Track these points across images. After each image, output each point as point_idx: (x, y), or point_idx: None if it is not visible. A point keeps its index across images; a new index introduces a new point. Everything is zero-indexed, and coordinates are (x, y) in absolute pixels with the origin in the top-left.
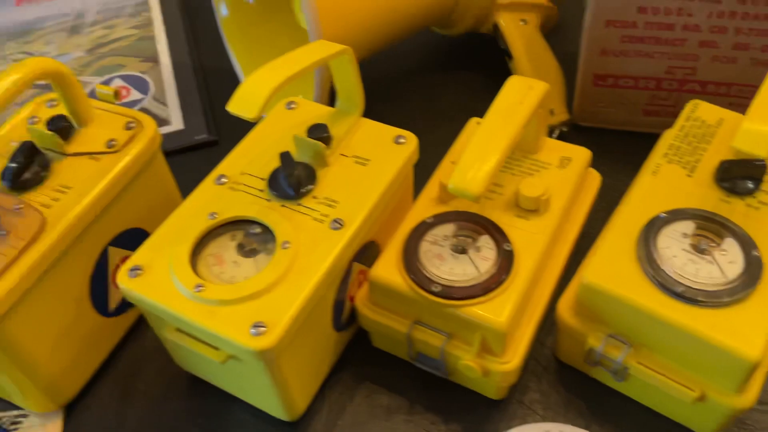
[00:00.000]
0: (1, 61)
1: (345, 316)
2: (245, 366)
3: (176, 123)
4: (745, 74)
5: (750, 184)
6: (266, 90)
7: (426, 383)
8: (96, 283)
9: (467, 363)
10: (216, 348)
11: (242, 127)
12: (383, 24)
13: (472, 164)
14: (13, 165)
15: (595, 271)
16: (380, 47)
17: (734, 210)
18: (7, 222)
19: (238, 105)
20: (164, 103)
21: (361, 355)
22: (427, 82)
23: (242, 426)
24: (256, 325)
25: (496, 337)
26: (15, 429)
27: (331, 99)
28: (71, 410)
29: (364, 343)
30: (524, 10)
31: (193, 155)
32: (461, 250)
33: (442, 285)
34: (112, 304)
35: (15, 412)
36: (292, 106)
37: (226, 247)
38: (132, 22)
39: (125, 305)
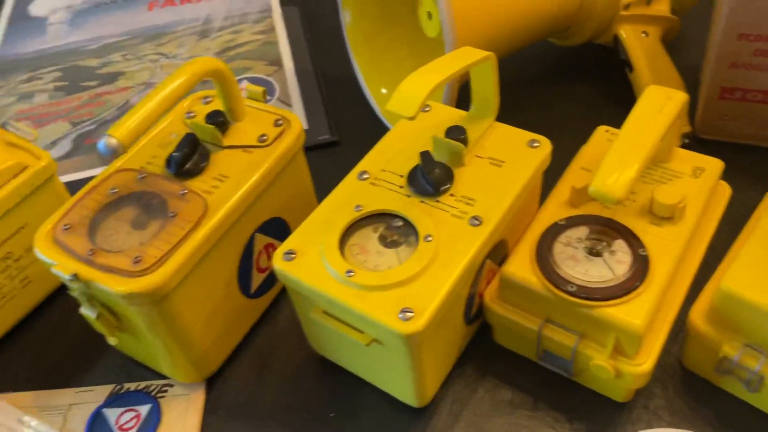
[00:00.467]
0: (137, 60)
1: (474, 311)
2: (386, 350)
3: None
4: None
5: None
6: (424, 91)
7: (548, 381)
8: (243, 266)
9: (600, 363)
10: (361, 331)
11: (360, 129)
12: (509, 32)
13: (615, 169)
14: (178, 154)
15: (734, 278)
16: (503, 56)
17: None
18: (175, 205)
19: (398, 104)
20: (289, 105)
21: (483, 351)
22: (544, 92)
23: (371, 408)
24: (404, 311)
25: (631, 339)
26: (162, 396)
27: (457, 104)
28: (212, 383)
29: (485, 340)
30: (646, 22)
31: (316, 154)
32: (596, 253)
33: (578, 285)
34: (254, 286)
35: (162, 381)
36: (427, 109)
37: (369, 237)
38: (256, 27)
39: (264, 288)
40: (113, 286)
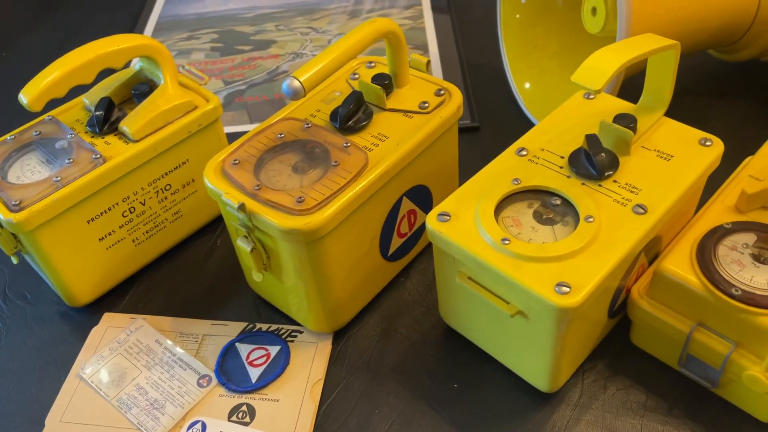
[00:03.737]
0: (289, 32)
1: (617, 304)
2: (530, 324)
3: None
4: None
5: None
6: (613, 66)
7: (685, 390)
8: (387, 227)
9: (755, 374)
10: (507, 302)
11: (500, 118)
12: (680, 36)
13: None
14: (344, 110)
15: None
16: None
17: None
18: (337, 156)
19: (584, 76)
20: None
21: (617, 350)
22: (698, 105)
23: (495, 385)
24: (560, 284)
25: None
26: (291, 341)
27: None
28: (338, 336)
29: (621, 338)
30: None
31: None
32: (763, 261)
33: (743, 290)
34: (392, 249)
35: (292, 327)
36: (591, 96)
37: (523, 212)
38: (405, 13)
39: (399, 254)
40: (276, 220)
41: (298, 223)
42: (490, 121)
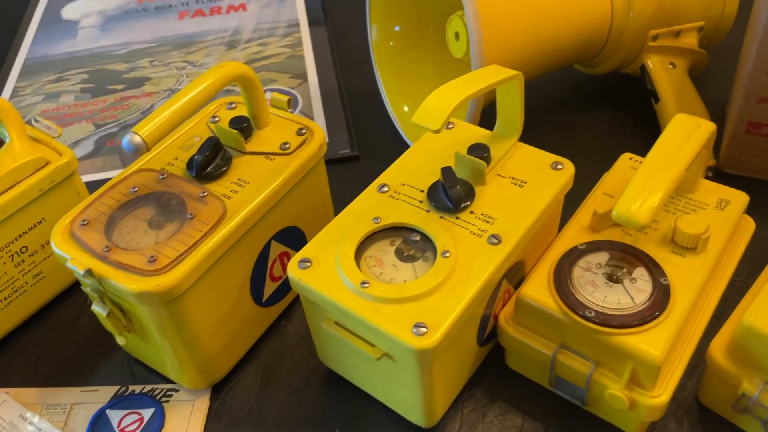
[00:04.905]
0: (164, 67)
1: (487, 332)
2: (397, 365)
3: None
4: None
5: None
6: (450, 105)
7: (561, 410)
8: (257, 273)
9: (615, 393)
10: (373, 345)
11: (381, 146)
12: (537, 57)
13: (640, 194)
14: (200, 157)
15: (756, 313)
16: (529, 79)
17: None
18: (194, 207)
19: (424, 117)
20: (311, 118)
21: (494, 375)
22: (567, 119)
23: (377, 426)
24: (417, 325)
25: (648, 369)
26: (166, 401)
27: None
28: (217, 390)
29: (497, 363)
30: (674, 54)
31: (335, 168)
32: (615, 280)
33: (596, 311)
34: (266, 294)
35: (167, 386)
36: (450, 126)
37: (385, 250)
38: (284, 41)
39: (276, 297)
40: (126, 283)
41: (149, 285)
42: (371, 148)
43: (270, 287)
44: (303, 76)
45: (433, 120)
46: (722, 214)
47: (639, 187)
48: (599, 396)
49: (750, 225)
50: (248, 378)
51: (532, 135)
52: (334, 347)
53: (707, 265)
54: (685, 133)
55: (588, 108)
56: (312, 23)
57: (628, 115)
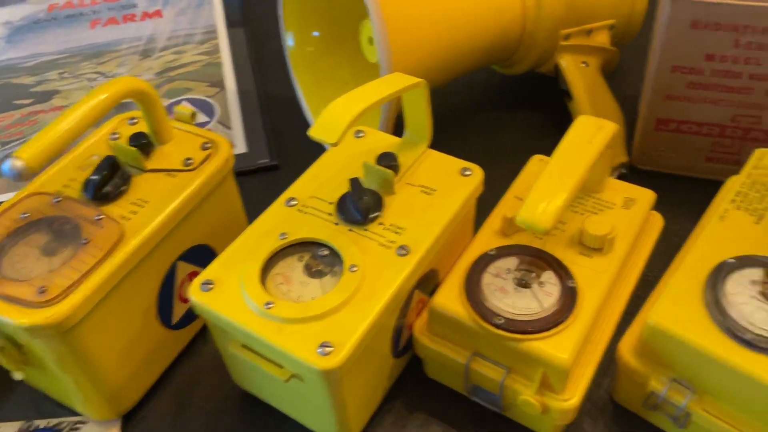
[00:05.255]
0: (74, 79)
1: (402, 344)
2: (307, 385)
3: (240, 147)
4: None
5: None
6: (348, 117)
7: (479, 417)
8: (163, 296)
9: (527, 399)
10: (280, 366)
11: (302, 154)
12: (448, 60)
13: (542, 198)
14: (96, 178)
15: (661, 312)
16: (443, 82)
17: None
18: (88, 231)
19: (321, 130)
20: (229, 127)
21: (414, 385)
22: (487, 119)
23: None
24: (323, 345)
25: (558, 373)
26: None
27: (395, 130)
28: (128, 420)
29: (417, 373)
30: (586, 52)
31: (255, 178)
32: (524, 285)
33: (505, 318)
34: (176, 317)
35: (75, 418)
36: (360, 134)
37: (293, 267)
38: (200, 48)
39: (187, 319)
40: (14, 317)
41: (38, 318)
42: (292, 158)
43: (180, 309)
44: (220, 84)
45: (330, 133)
46: (629, 213)
47: (541, 192)
48: (513, 402)
49: (658, 221)
50: (161, 405)
51: (454, 137)
52: (244, 370)
53: (614, 265)
54: (587, 135)
55: (508, 109)
56: (230, 29)
57: (548, 115)
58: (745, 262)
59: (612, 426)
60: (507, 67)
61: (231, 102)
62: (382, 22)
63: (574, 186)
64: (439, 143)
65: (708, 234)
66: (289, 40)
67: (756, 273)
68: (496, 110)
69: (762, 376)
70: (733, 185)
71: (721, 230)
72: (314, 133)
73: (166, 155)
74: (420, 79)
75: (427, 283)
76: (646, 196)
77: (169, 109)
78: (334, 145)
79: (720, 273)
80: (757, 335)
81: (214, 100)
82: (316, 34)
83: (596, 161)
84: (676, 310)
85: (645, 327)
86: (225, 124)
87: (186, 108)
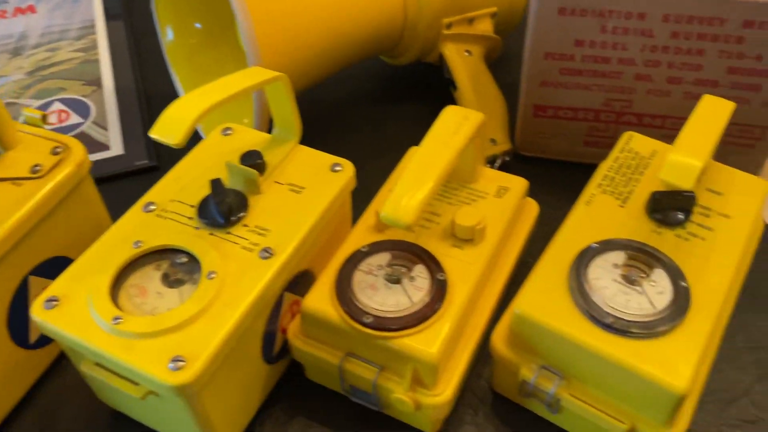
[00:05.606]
0: None
1: (277, 348)
2: (166, 402)
3: (116, 148)
4: (678, 107)
5: (680, 216)
6: (191, 116)
7: (362, 417)
8: (15, 313)
9: (399, 396)
10: (135, 383)
11: (183, 154)
12: (326, 51)
13: (405, 193)
14: None
15: (526, 301)
16: (325, 75)
17: (664, 241)
18: None
19: (162, 131)
20: (105, 128)
21: (296, 389)
22: (376, 110)
23: None
24: (174, 360)
25: (427, 369)
26: None
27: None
28: None
29: (299, 375)
30: (469, 41)
31: (133, 181)
32: (395, 280)
33: (374, 316)
34: (33, 336)
35: None
36: (228, 132)
37: (150, 277)
38: (76, 45)
39: (48, 337)
40: None
41: None
42: (172, 158)
43: (37, 327)
44: (97, 83)
45: (172, 134)
46: (501, 202)
47: (404, 186)
48: (388, 400)
49: (533, 208)
50: (23, 430)
51: (342, 128)
52: (102, 388)
53: (485, 256)
54: (453, 126)
55: (396, 99)
56: (110, 22)
57: (435, 105)
58: (608, 245)
59: (492, 416)
60: (393, 57)
61: (108, 101)
62: (245, 11)
63: (437, 179)
64: (321, 138)
65: (573, 220)
66: (169, 34)
67: (618, 256)
68: (384, 101)
69: (622, 358)
70: (601, 169)
71: (586, 215)
72: (155, 133)
73: (12, 162)
74: (278, 73)
75: (302, 284)
76: (518, 184)
77: (44, 110)
78: (177, 146)
79: (583, 258)
80: (618, 318)
81: (89, 100)
82: (198, 26)
83: (463, 151)
84: (541, 297)
85: (512, 316)
86: (101, 124)
87: (34, 111)
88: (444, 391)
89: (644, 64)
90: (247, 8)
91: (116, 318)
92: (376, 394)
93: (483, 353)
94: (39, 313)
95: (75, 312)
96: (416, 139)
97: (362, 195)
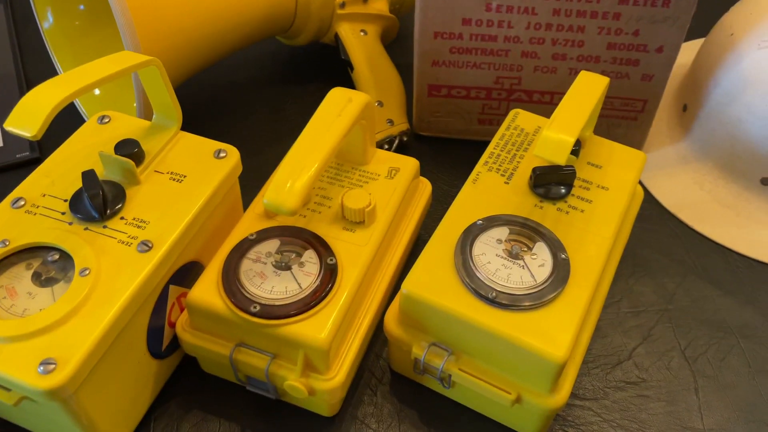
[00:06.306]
0: None
1: (166, 343)
2: (42, 406)
3: None
4: (564, 83)
5: (562, 190)
6: (49, 105)
7: (260, 406)
8: None
9: (292, 383)
10: (7, 389)
11: None
12: (211, 35)
13: (288, 178)
14: None
15: (413, 280)
16: (215, 58)
17: (546, 215)
18: None
19: (18, 121)
20: None
21: (192, 382)
22: (275, 92)
23: None
24: (44, 362)
25: (318, 354)
26: None
27: None
28: None
29: (195, 369)
30: (364, 20)
31: (16, 174)
32: (285, 267)
33: (261, 304)
34: None
35: None
36: (105, 120)
37: (20, 277)
38: None
39: None
40: None
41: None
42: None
43: None
44: None
45: (28, 124)
46: (392, 183)
47: (287, 171)
48: (282, 387)
49: (427, 188)
50: None
51: (240, 115)
52: None
53: (376, 237)
54: (336, 109)
55: (296, 81)
56: None
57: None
58: (491, 222)
59: (390, 395)
60: (289, 38)
61: None
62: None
63: (320, 162)
64: (219, 122)
65: (461, 199)
66: (49, 17)
67: (502, 232)
68: (284, 83)
69: (504, 331)
70: (489, 148)
71: (473, 193)
72: (10, 124)
73: None
74: (150, 57)
75: (189, 276)
76: (409, 164)
77: None
78: (34, 138)
79: (468, 236)
80: (500, 293)
81: None
82: (82, 7)
83: (347, 134)
84: (428, 276)
85: (400, 295)
86: None
87: None
88: (336, 375)
89: (529, 42)
90: None
91: None
92: (270, 382)
93: (381, 334)
94: None
95: None
96: None
97: (260, 181)
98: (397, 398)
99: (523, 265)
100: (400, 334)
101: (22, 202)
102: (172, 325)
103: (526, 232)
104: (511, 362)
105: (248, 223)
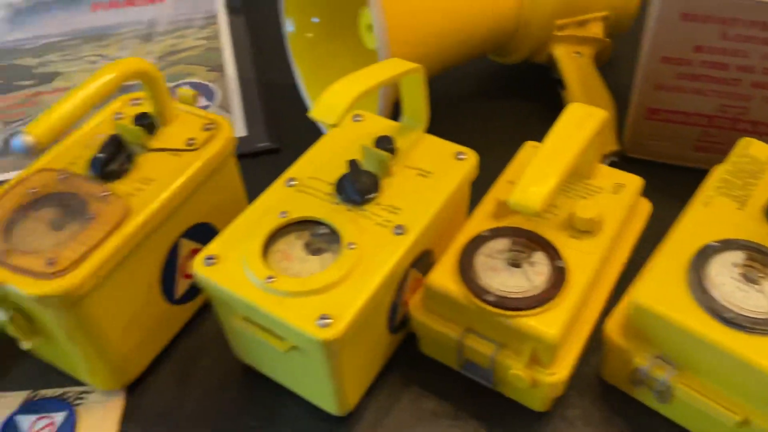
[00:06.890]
0: (78, 62)
1: (398, 320)
2: (306, 357)
3: (239, 130)
4: None
5: None
6: (347, 99)
7: (471, 391)
8: (167, 271)
9: (517, 373)
10: (281, 338)
11: (301, 138)
12: (445, 48)
13: (534, 181)
14: (102, 156)
15: (646, 292)
16: (440, 70)
17: None
18: (95, 207)
19: (321, 112)
20: (229, 111)
21: (409, 361)
22: (482, 107)
23: (293, 418)
24: (322, 317)
25: (546, 348)
26: (79, 404)
27: (393, 115)
28: (132, 391)
29: (411, 349)
30: (579, 42)
31: (255, 161)
32: (515, 264)
33: (496, 295)
34: (179, 292)
35: (80, 388)
36: (359, 118)
37: (293, 244)
38: (201, 33)
39: (190, 295)
40: (24, 287)
41: (47, 288)
42: (292, 141)
43: (182, 285)
44: (220, 69)
45: (330, 114)
46: (617, 198)
47: (533, 175)
48: (504, 376)
49: (646, 207)
50: (163, 377)
51: (448, 123)
52: (245, 343)
53: (602, 247)
54: (578, 122)
55: (502, 96)
56: (231, 15)
57: (541, 103)
58: (727, 245)
59: (598, 401)
60: (502, 56)
61: (231, 87)
62: (381, 9)
63: (564, 170)
64: (436, 129)
65: (692, 218)
66: (289, 26)
67: (738, 256)
68: (492, 99)
69: (742, 353)
70: (718, 173)
71: (705, 215)
72: (314, 114)
73: (170, 135)
74: (417, 65)
75: (423, 262)
76: (634, 181)
77: (172, 92)
78: (334, 126)
79: (704, 255)
80: (738, 314)
81: (214, 85)
82: (315, 20)
83: (586, 147)
84: (660, 289)
85: (630, 305)
86: (225, 108)
87: (188, 90)
88: (560, 371)
89: (763, 72)
90: (381, 3)
91: (269, 277)
92: (492, 370)
93: (590, 343)
94: (200, 269)
95: (230, 270)
96: (522, 135)
97: (477, 184)
98: (606, 405)
99: (760, 290)
100: (622, 343)
101: (294, 182)
102: (405, 305)
103: (762, 259)
104: (742, 384)
105: (479, 221)
